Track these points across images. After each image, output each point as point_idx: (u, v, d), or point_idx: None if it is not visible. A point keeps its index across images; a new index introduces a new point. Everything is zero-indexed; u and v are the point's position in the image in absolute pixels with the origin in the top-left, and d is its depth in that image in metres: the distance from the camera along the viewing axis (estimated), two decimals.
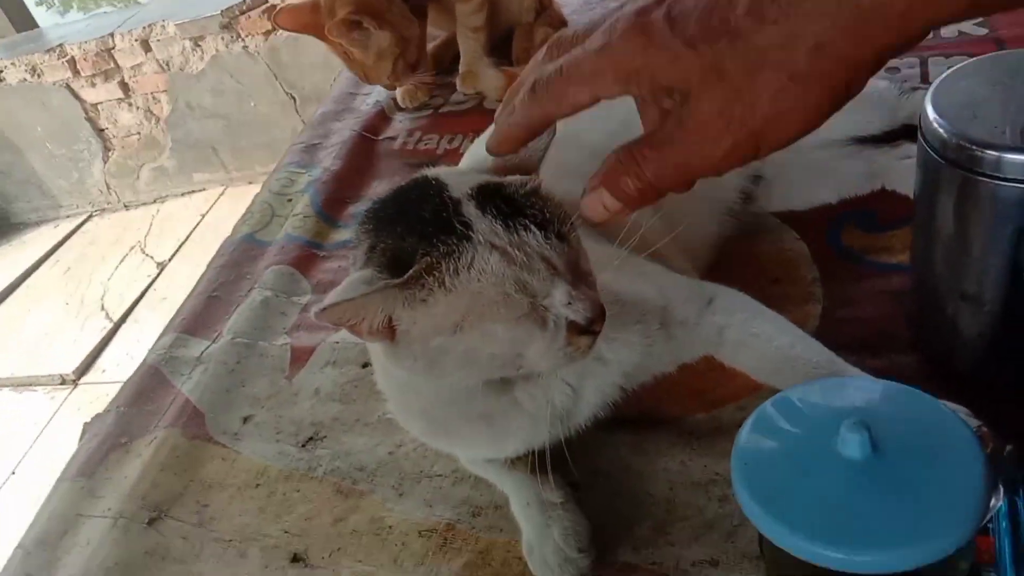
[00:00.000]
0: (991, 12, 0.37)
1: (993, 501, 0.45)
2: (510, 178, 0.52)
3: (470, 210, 0.50)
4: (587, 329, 0.51)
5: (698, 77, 0.39)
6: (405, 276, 0.48)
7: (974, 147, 0.53)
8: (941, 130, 0.55)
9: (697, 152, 0.41)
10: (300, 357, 0.88)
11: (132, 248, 3.45)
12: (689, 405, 0.70)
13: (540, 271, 0.49)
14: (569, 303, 0.50)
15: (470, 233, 0.49)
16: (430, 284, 0.49)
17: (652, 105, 0.46)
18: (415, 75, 1.26)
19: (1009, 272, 0.56)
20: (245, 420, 0.83)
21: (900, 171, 0.81)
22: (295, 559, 0.69)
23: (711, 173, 0.42)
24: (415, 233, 0.50)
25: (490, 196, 0.51)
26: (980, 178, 0.53)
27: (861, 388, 0.49)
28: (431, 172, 0.55)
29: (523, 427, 0.62)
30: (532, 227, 0.49)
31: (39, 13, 4.43)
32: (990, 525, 0.52)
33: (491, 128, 0.85)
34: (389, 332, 0.51)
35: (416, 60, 1.24)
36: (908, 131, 0.84)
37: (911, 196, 0.75)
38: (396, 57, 1.20)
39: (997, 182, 0.52)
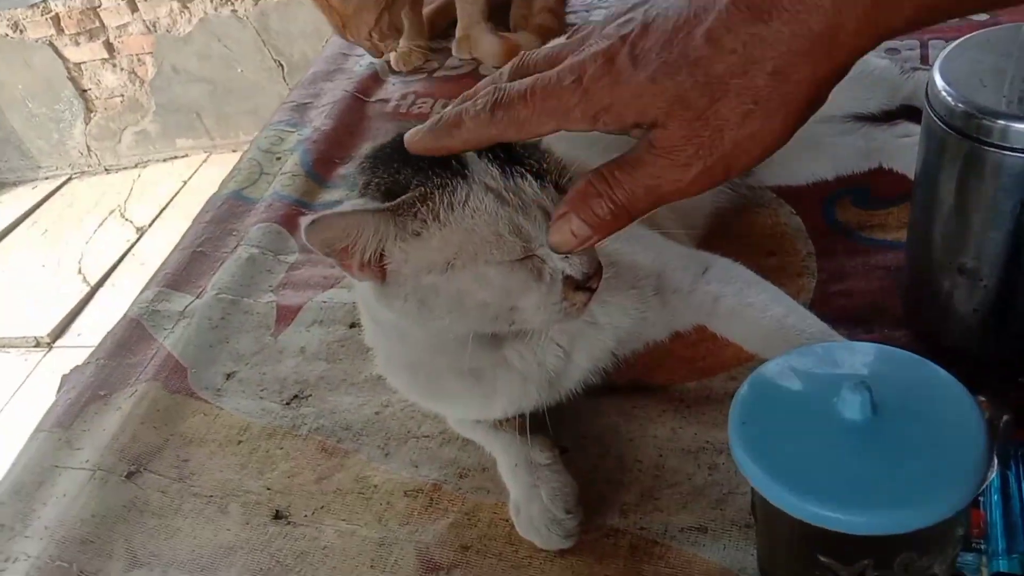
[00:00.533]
0: (941, 19, 0.38)
1: (988, 473, 0.44)
2: None
3: (467, 152, 0.49)
4: (583, 285, 0.50)
5: (664, 108, 0.40)
6: (398, 200, 0.48)
7: (981, 116, 0.52)
8: (948, 98, 0.54)
9: (668, 177, 0.42)
10: (286, 315, 0.87)
11: (111, 212, 3.40)
12: (680, 374, 0.69)
13: (536, 218, 0.48)
14: (566, 257, 0.49)
15: (465, 171, 0.48)
16: (423, 215, 0.48)
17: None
18: (399, 40, 1.23)
19: (1009, 246, 0.56)
20: (228, 376, 0.82)
21: (898, 149, 0.81)
22: (277, 516, 0.68)
23: (680, 197, 0.43)
24: (410, 167, 0.49)
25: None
26: (986, 148, 0.53)
27: (862, 352, 0.48)
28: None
29: (512, 387, 0.61)
30: (528, 175, 0.49)
31: None
32: (981, 498, 0.52)
33: None
34: (380, 271, 0.50)
35: (401, 26, 1.22)
36: (907, 111, 0.84)
37: (908, 175, 0.75)
38: (381, 10, 1.16)
39: (1003, 152, 0.52)
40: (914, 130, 0.76)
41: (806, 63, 0.38)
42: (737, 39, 0.38)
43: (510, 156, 0.49)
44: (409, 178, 0.49)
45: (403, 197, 0.48)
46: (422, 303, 0.51)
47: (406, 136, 0.49)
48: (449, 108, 0.47)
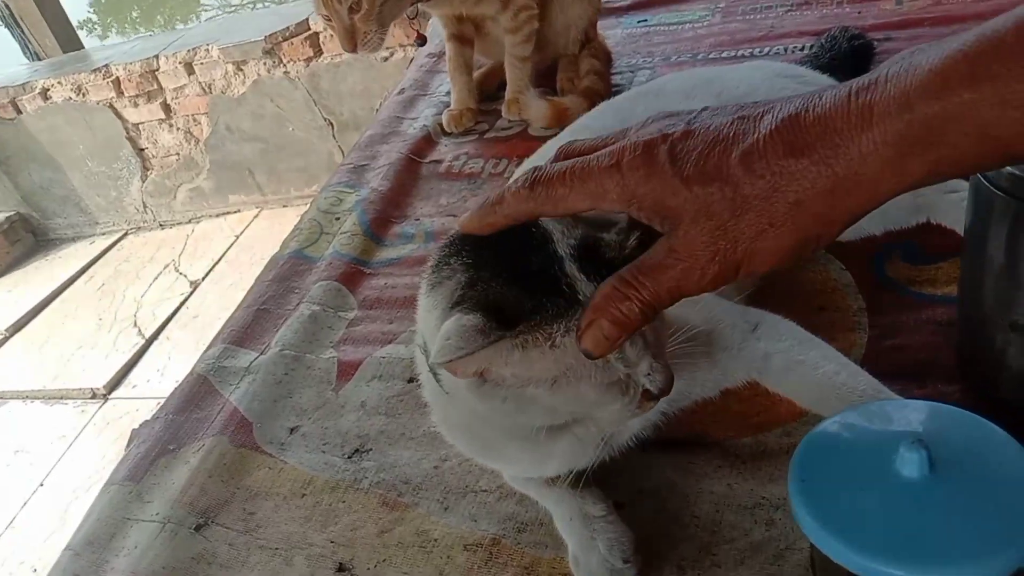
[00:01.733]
0: (965, 174, 0.41)
1: None
2: (608, 236, 0.51)
3: (574, 271, 0.49)
4: (656, 396, 0.53)
5: (691, 214, 0.43)
6: (518, 330, 0.48)
7: None
8: None
9: (687, 277, 0.45)
10: (346, 370, 0.90)
11: (166, 266, 3.50)
12: (734, 429, 0.70)
13: (638, 343, 0.50)
14: (649, 373, 0.51)
15: (578, 296, 0.48)
16: (538, 340, 0.48)
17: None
18: (377, 38, 1.18)
19: None
20: (292, 431, 0.84)
21: (946, 205, 0.81)
22: (340, 568, 0.70)
23: (697, 293, 0.46)
24: (522, 284, 0.49)
25: (591, 256, 0.50)
26: None
27: (916, 409, 0.49)
28: None
29: (567, 450, 0.62)
30: None
31: (80, 36, 4.53)
32: None
33: (539, 151, 0.88)
34: (482, 373, 0.51)
35: (387, 24, 1.18)
36: None
37: (957, 230, 0.76)
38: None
39: None
40: (962, 185, 0.77)
41: (824, 202, 0.41)
42: (768, 167, 0.41)
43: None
44: (522, 298, 0.48)
45: (523, 328, 0.48)
46: (518, 408, 0.52)
47: (459, 222, 0.52)
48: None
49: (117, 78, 3.36)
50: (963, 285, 0.67)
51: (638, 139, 0.45)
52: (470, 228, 0.52)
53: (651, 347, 0.51)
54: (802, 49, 1.25)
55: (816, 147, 0.40)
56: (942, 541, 0.42)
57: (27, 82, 3.48)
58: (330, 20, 1.16)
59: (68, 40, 4.05)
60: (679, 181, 0.43)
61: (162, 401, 0.94)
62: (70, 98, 3.46)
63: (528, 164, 0.89)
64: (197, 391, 0.92)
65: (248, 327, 0.99)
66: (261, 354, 0.94)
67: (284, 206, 3.55)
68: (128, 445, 0.91)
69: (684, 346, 0.59)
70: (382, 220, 1.14)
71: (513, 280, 0.49)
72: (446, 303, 0.51)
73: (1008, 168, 0.55)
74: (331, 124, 3.25)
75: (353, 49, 1.17)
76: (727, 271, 0.44)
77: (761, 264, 0.44)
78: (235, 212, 3.67)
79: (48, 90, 3.47)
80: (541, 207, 0.49)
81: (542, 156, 0.86)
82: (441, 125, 1.34)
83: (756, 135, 0.42)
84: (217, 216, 3.71)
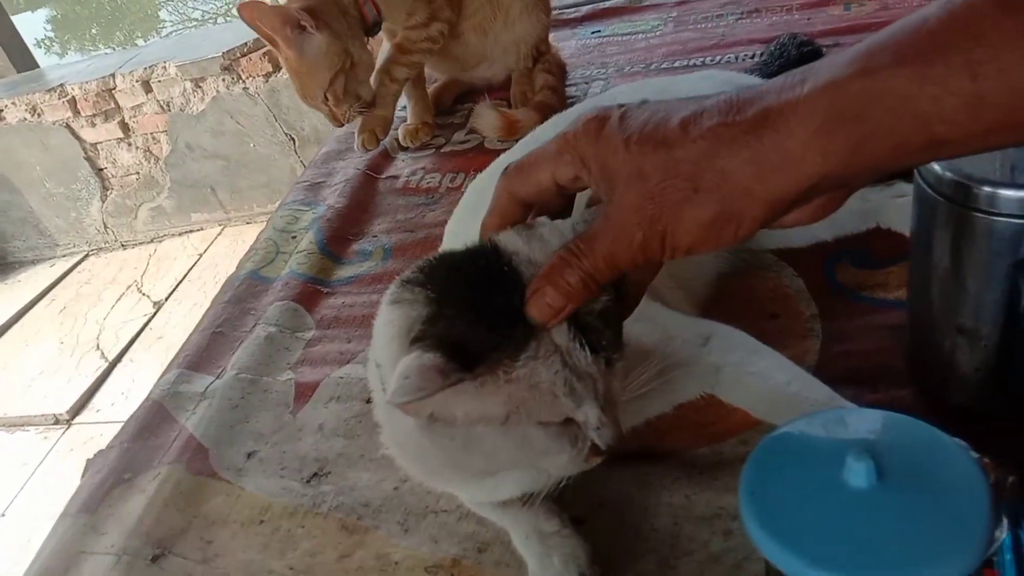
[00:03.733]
0: (878, 164, 0.40)
1: (998, 533, 0.45)
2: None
3: None
4: (603, 452, 0.52)
5: (625, 174, 0.44)
6: (477, 371, 0.47)
7: (969, 183, 0.54)
8: (937, 167, 0.56)
9: (617, 241, 0.45)
10: (304, 393, 0.89)
11: (128, 287, 3.45)
12: (690, 439, 0.70)
13: (587, 383, 0.50)
14: (598, 428, 0.51)
15: (536, 331, 0.48)
16: (493, 376, 0.48)
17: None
18: (357, 108, 1.24)
19: (1005, 306, 0.57)
20: (249, 456, 0.83)
21: (894, 209, 0.82)
22: None
23: (631, 263, 0.46)
24: (485, 322, 0.48)
25: None
26: (975, 213, 0.55)
27: (865, 418, 0.49)
28: (501, 241, 0.51)
29: (520, 477, 0.62)
30: (587, 345, 0.49)
31: (38, 54, 4.48)
32: (994, 558, 0.53)
33: (492, 164, 0.88)
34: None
35: (363, 96, 1.24)
36: (902, 171, 0.86)
37: (905, 234, 0.76)
38: (335, 73, 1.18)
39: (992, 217, 0.54)
40: (908, 190, 0.77)
41: (750, 172, 0.41)
42: (702, 132, 0.42)
43: (577, 324, 0.49)
44: (484, 337, 0.47)
45: (483, 368, 0.47)
46: (466, 447, 0.51)
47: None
48: None
49: (73, 97, 3.32)
50: (911, 290, 0.67)
51: (595, 107, 0.47)
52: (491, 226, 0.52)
53: (599, 398, 0.50)
54: (753, 57, 1.26)
55: (747, 115, 0.41)
56: (891, 550, 0.42)
57: None
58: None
59: (22, 59, 3.99)
60: (621, 142, 0.44)
61: (119, 428, 0.92)
62: (25, 119, 3.40)
63: (480, 179, 0.89)
64: (152, 418, 0.91)
65: (204, 351, 0.98)
66: (217, 378, 0.93)
67: (247, 223, 3.52)
68: (83, 475, 0.89)
69: (651, 385, 0.59)
70: (339, 238, 1.13)
71: (476, 316, 0.48)
72: (406, 332, 0.49)
73: (949, 174, 0.55)
74: (292, 139, 3.23)
75: (340, 125, 1.29)
76: (652, 239, 0.44)
77: (683, 235, 0.43)
78: (198, 230, 3.64)
79: (2, 111, 3.41)
80: (512, 185, 0.51)
81: (493, 172, 0.86)
82: (398, 140, 1.33)
83: (698, 107, 0.43)
84: (179, 235, 3.66)
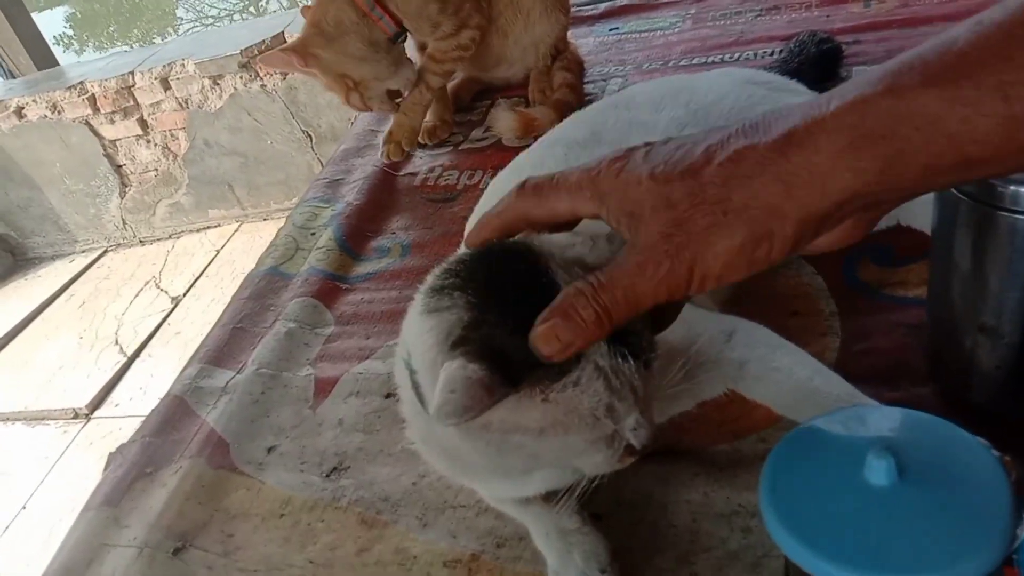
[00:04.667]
0: (908, 183, 0.40)
1: (1018, 531, 0.45)
2: None
3: None
4: (638, 452, 0.52)
5: (651, 204, 0.43)
6: (520, 386, 0.46)
7: (992, 182, 0.54)
8: None
9: (641, 274, 0.43)
10: (324, 388, 0.89)
11: (147, 283, 3.48)
12: (711, 436, 0.70)
13: (628, 400, 0.49)
14: (635, 428, 0.51)
15: (581, 353, 0.47)
16: (532, 393, 0.47)
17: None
18: (388, 103, 1.30)
19: None
20: (269, 450, 0.84)
21: (915, 207, 0.81)
22: None
23: (651, 299, 0.44)
24: (525, 332, 0.46)
25: None
26: (999, 212, 0.54)
27: (886, 416, 0.50)
28: (537, 244, 0.50)
29: (548, 474, 0.62)
30: (629, 356, 0.49)
31: (57, 52, 4.51)
32: (1015, 556, 0.53)
33: (512, 163, 0.88)
34: None
35: (393, 86, 1.28)
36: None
37: (925, 231, 0.76)
38: (346, 91, 1.23)
39: (1016, 215, 0.54)
40: None
41: (777, 189, 0.40)
42: (728, 155, 0.41)
43: (617, 333, 0.48)
44: (524, 349, 0.46)
45: (526, 384, 0.46)
46: (501, 452, 0.51)
47: (465, 240, 0.52)
48: None
49: (93, 95, 3.35)
50: (931, 288, 0.67)
51: (617, 152, 0.46)
52: (474, 241, 0.52)
53: (640, 403, 0.50)
54: (771, 54, 1.26)
55: (773, 135, 0.41)
56: (911, 548, 0.42)
57: (1, 100, 3.46)
58: None
59: (42, 57, 4.02)
60: (647, 174, 0.43)
61: (141, 422, 0.93)
62: (45, 116, 3.43)
63: (499, 178, 0.89)
64: (174, 412, 0.91)
65: (224, 346, 0.99)
66: (237, 373, 0.94)
67: (264, 219, 3.54)
68: (105, 469, 0.90)
69: (679, 385, 0.58)
70: (358, 234, 1.14)
71: (518, 327, 0.46)
72: (445, 336, 0.48)
73: None
74: (309, 136, 3.25)
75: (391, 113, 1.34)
76: (679, 268, 0.42)
77: (713, 262, 0.42)
78: (215, 227, 3.66)
79: (23, 108, 3.44)
80: (527, 205, 0.49)
81: (512, 170, 0.87)
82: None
83: (723, 134, 0.43)
84: (197, 231, 3.69)
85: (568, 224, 0.51)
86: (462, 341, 0.47)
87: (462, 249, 0.57)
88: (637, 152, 0.45)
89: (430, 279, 0.53)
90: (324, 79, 1.21)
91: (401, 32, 1.23)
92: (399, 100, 1.29)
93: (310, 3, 1.23)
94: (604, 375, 0.48)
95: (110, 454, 0.92)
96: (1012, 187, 0.53)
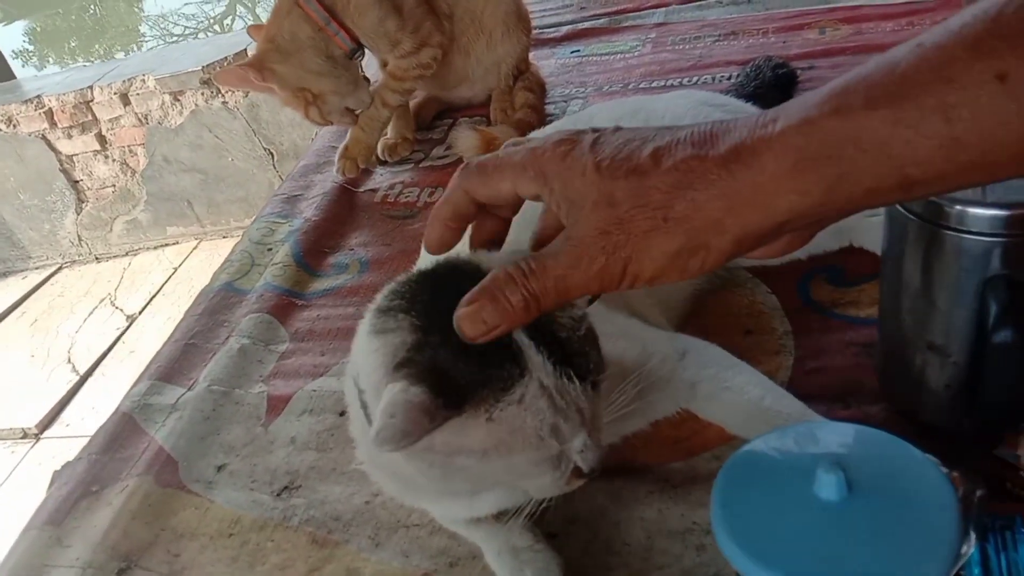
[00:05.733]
0: (852, 204, 0.40)
1: (965, 548, 0.46)
2: (564, 316, 0.49)
3: (524, 340, 0.48)
4: (587, 475, 0.52)
5: (593, 198, 0.43)
6: (463, 408, 0.46)
7: (940, 201, 0.55)
8: None
9: (575, 266, 0.44)
10: (276, 405, 0.88)
11: (102, 301, 3.42)
12: (665, 454, 0.70)
13: (574, 420, 0.49)
14: (582, 451, 0.50)
15: (526, 368, 0.47)
16: (476, 414, 0.47)
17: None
18: (348, 118, 1.28)
19: (974, 323, 0.58)
20: (219, 468, 0.82)
21: (867, 228, 0.83)
22: None
23: (583, 291, 0.45)
24: (471, 354, 0.46)
25: (544, 330, 0.48)
26: (946, 231, 0.55)
27: (836, 432, 0.50)
28: (485, 262, 0.50)
29: (496, 494, 0.61)
30: (575, 378, 0.49)
31: (15, 66, 4.45)
32: (962, 572, 0.53)
33: None
34: None
35: (352, 108, 1.27)
36: None
37: (877, 252, 0.77)
38: (305, 106, 1.22)
39: (962, 235, 0.55)
40: (881, 210, 0.79)
41: (721, 205, 0.41)
42: (675, 163, 0.41)
43: (563, 352, 0.49)
44: (469, 371, 0.46)
45: (469, 406, 0.46)
46: (445, 474, 0.51)
47: (424, 242, 0.51)
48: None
49: (50, 109, 3.29)
50: (882, 307, 0.68)
51: (572, 132, 0.46)
52: (429, 236, 0.51)
53: (586, 424, 0.50)
54: (729, 78, 1.28)
55: (720, 150, 0.41)
56: (861, 563, 0.42)
57: None
58: None
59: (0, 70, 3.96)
60: (592, 165, 0.43)
61: (88, 440, 0.91)
62: (0, 129, 3.37)
63: None
64: (122, 430, 0.89)
65: (175, 362, 0.97)
66: (188, 390, 0.92)
67: (224, 237, 3.50)
68: (49, 487, 0.88)
69: (631, 405, 0.58)
70: (315, 250, 1.13)
71: (463, 348, 0.46)
72: (390, 358, 0.48)
73: None
74: (271, 154, 3.22)
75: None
76: (613, 266, 0.43)
77: (647, 264, 0.42)
78: (173, 244, 3.61)
79: None
80: (471, 183, 0.48)
81: None
82: (377, 154, 1.33)
83: (671, 137, 0.43)
84: (155, 248, 3.64)
85: (512, 206, 0.50)
86: (405, 363, 0.47)
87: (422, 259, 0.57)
88: (585, 138, 0.44)
89: (379, 298, 0.53)
90: (282, 94, 1.20)
91: (358, 48, 1.23)
92: (359, 112, 1.27)
93: (255, 23, 1.24)
94: (548, 394, 0.47)
95: (54, 472, 0.89)
96: (958, 207, 0.54)
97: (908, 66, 0.37)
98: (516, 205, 0.50)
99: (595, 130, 0.45)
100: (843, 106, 0.38)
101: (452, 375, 0.46)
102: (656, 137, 0.43)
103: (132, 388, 0.95)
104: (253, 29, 1.24)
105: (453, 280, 0.49)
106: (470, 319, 0.45)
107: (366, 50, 1.25)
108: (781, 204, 0.40)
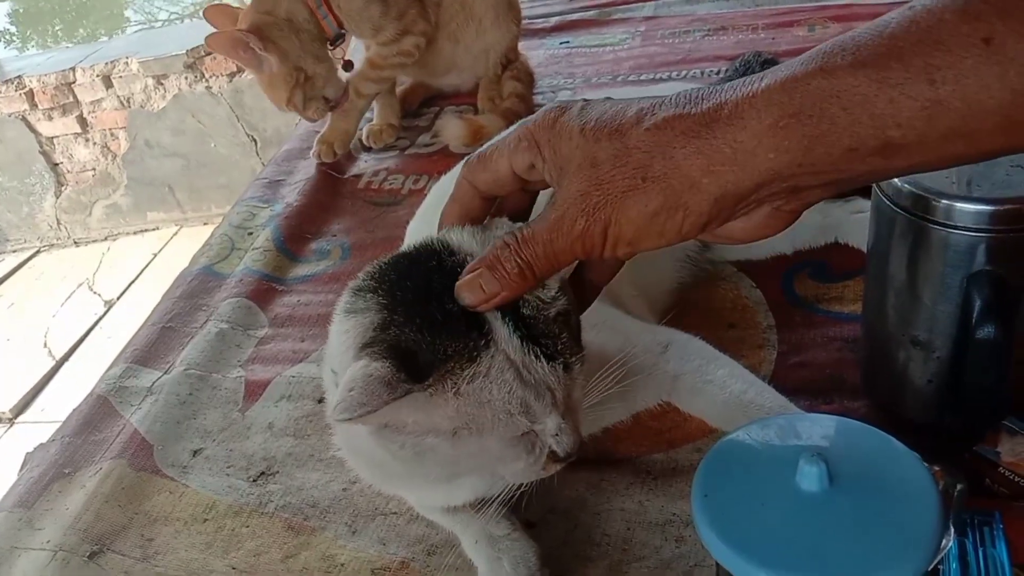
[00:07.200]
0: (829, 170, 0.40)
1: (944, 542, 0.45)
2: (531, 294, 0.49)
3: (491, 315, 0.47)
4: (562, 459, 0.52)
5: (577, 161, 0.43)
6: (428, 382, 0.46)
7: (928, 196, 0.55)
8: (896, 180, 0.57)
9: (558, 229, 0.44)
10: (254, 391, 0.87)
11: (80, 285, 3.38)
12: (646, 445, 0.70)
13: (544, 398, 0.49)
14: (557, 434, 0.50)
15: (491, 340, 0.47)
16: (443, 388, 0.46)
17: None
18: (326, 109, 1.25)
19: (959, 319, 0.58)
20: (195, 453, 0.81)
21: (852, 224, 0.83)
22: None
23: (569, 255, 0.45)
24: (436, 329, 0.46)
25: (511, 307, 0.48)
26: (932, 226, 0.55)
27: (818, 424, 0.49)
28: (454, 241, 0.50)
29: (475, 483, 0.61)
30: (542, 356, 0.48)
31: None
32: (940, 567, 0.53)
33: (456, 166, 0.88)
34: None
35: (329, 97, 1.24)
36: (860, 188, 0.88)
37: (862, 249, 0.77)
38: (291, 88, 1.19)
39: (948, 230, 0.55)
40: (867, 206, 0.78)
41: (699, 163, 0.40)
42: (656, 123, 0.41)
43: (531, 330, 0.48)
44: (434, 345, 0.46)
45: (433, 379, 0.46)
46: (417, 455, 0.50)
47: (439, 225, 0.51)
48: None
49: (31, 90, 3.25)
50: (867, 302, 0.68)
51: (555, 103, 0.46)
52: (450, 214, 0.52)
53: (559, 406, 0.50)
54: (717, 73, 1.28)
55: (703, 108, 0.41)
56: (840, 554, 0.42)
57: None
58: None
59: None
60: (577, 129, 0.43)
61: (61, 422, 0.90)
62: None
63: (443, 181, 0.88)
64: (96, 412, 0.88)
65: (152, 345, 0.95)
66: (165, 373, 0.91)
67: (205, 224, 3.46)
68: (21, 469, 0.86)
69: (611, 390, 0.58)
70: (297, 236, 1.12)
71: (429, 322, 0.46)
72: (358, 339, 0.48)
73: (908, 187, 0.56)
74: (254, 140, 3.20)
75: (314, 121, 1.30)
76: (594, 227, 0.43)
77: (626, 226, 0.42)
78: (154, 229, 3.57)
79: None
80: (472, 172, 0.50)
81: (455, 175, 0.85)
82: (362, 140, 1.32)
83: (656, 100, 0.43)
84: (135, 233, 3.60)
85: (511, 184, 0.49)
86: (371, 343, 0.47)
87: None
88: (574, 106, 0.45)
89: (352, 282, 0.53)
90: (279, 68, 1.16)
91: (340, 35, 1.22)
92: (333, 105, 1.25)
93: (215, 3, 1.20)
94: (515, 368, 0.47)
95: (26, 454, 0.88)
96: (945, 201, 0.54)
97: (896, 27, 0.37)
98: (523, 193, 0.51)
99: (585, 100, 0.45)
100: (828, 65, 0.38)
101: (415, 351, 0.46)
102: (643, 101, 0.43)
103: (108, 371, 0.94)
104: (213, 11, 1.19)
105: (423, 260, 0.50)
106: (469, 287, 0.46)
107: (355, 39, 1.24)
108: (759, 163, 0.39)
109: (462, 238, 0.50)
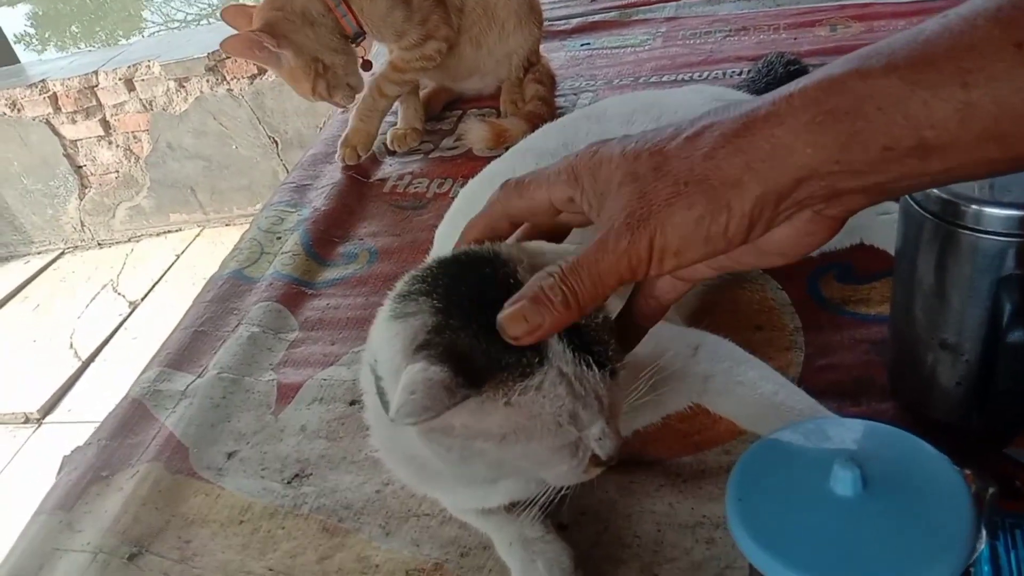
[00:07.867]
0: (865, 171, 0.40)
1: (977, 545, 0.46)
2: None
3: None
4: (604, 463, 0.52)
5: (618, 180, 0.44)
6: (483, 389, 0.46)
7: (956, 200, 0.55)
8: None
9: (603, 249, 0.44)
10: (287, 393, 0.88)
11: (104, 287, 3.42)
12: (675, 448, 0.71)
13: (592, 408, 0.49)
14: (600, 439, 0.50)
15: (545, 355, 0.47)
16: (495, 396, 0.47)
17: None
18: (352, 95, 1.28)
19: (987, 322, 0.58)
20: (230, 456, 0.82)
21: (878, 226, 0.83)
22: None
23: (616, 276, 0.44)
24: (491, 337, 0.46)
25: None
26: (961, 230, 0.56)
27: (850, 428, 0.50)
28: (505, 251, 0.51)
29: (511, 485, 0.62)
30: (594, 365, 0.49)
31: (17, 50, 4.43)
32: (972, 569, 0.53)
33: (483, 171, 0.89)
34: None
35: (353, 85, 1.26)
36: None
37: (889, 251, 0.78)
38: (313, 79, 1.21)
39: (977, 234, 0.55)
40: (893, 208, 0.79)
41: (737, 160, 0.41)
42: (697, 128, 0.43)
43: (582, 339, 0.49)
44: (490, 353, 0.46)
45: (489, 386, 0.46)
46: (464, 458, 0.51)
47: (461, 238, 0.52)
48: None
49: (54, 93, 3.29)
50: (894, 305, 0.68)
51: (597, 141, 0.47)
52: (469, 237, 0.53)
53: (605, 412, 0.50)
54: (740, 74, 1.28)
55: (740, 112, 0.42)
56: (874, 558, 0.43)
57: None
58: None
59: (3, 54, 3.94)
60: (618, 153, 0.44)
61: (98, 425, 0.91)
62: (4, 113, 3.36)
63: (471, 186, 0.89)
64: (131, 416, 0.90)
65: (185, 349, 0.97)
66: (198, 377, 0.92)
67: (227, 225, 3.50)
68: (59, 472, 0.88)
69: (645, 394, 0.57)
70: (325, 240, 1.13)
71: (484, 328, 0.46)
72: (410, 341, 0.48)
73: (937, 191, 0.56)
74: (275, 142, 3.22)
75: (344, 108, 1.35)
76: (639, 242, 0.43)
77: (671, 234, 0.42)
78: (176, 231, 3.61)
79: None
80: (509, 198, 0.51)
81: (484, 179, 0.87)
82: (386, 144, 1.33)
83: (693, 117, 0.44)
84: (157, 235, 3.63)
85: (546, 215, 0.50)
86: (426, 345, 0.47)
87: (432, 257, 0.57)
88: (614, 140, 0.46)
89: (399, 285, 0.53)
90: (296, 62, 1.18)
91: (360, 33, 1.23)
92: (356, 98, 1.27)
93: (234, 4, 1.21)
94: (567, 381, 0.48)
95: (64, 457, 0.89)
96: (974, 206, 0.55)
97: (931, 33, 0.38)
98: (554, 224, 0.51)
99: (625, 136, 0.46)
100: (864, 67, 0.39)
101: (471, 357, 0.46)
102: (679, 122, 0.44)
103: (141, 374, 0.96)
104: (230, 12, 1.20)
105: (474, 266, 0.50)
106: (513, 319, 0.45)
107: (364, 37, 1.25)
108: (797, 159, 0.40)
109: (510, 249, 0.51)
